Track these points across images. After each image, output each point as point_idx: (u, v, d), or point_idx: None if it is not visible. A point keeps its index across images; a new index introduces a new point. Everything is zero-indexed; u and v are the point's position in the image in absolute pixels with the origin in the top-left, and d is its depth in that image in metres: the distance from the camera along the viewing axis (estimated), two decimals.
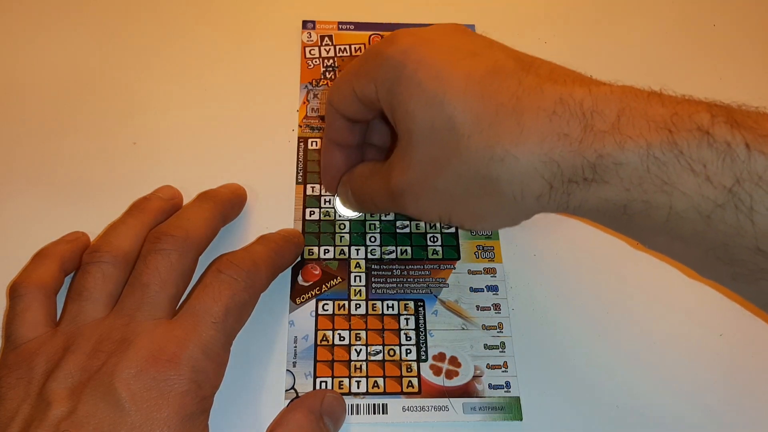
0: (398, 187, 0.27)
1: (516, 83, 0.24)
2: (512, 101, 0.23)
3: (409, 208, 0.27)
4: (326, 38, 0.42)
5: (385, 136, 0.32)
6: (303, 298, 0.32)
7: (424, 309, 0.32)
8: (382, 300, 0.33)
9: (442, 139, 0.24)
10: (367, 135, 0.32)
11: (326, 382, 0.30)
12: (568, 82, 0.23)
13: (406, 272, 0.33)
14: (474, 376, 0.31)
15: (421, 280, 0.33)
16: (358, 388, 0.30)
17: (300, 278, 0.33)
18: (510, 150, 0.23)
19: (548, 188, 0.23)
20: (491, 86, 0.24)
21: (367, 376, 0.30)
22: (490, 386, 0.30)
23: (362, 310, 0.32)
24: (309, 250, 0.34)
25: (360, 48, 0.42)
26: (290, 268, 0.33)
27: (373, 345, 0.31)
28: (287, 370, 0.30)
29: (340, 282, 0.33)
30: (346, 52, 0.41)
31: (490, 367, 0.31)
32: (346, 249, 0.34)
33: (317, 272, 0.33)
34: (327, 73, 0.40)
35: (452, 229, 0.35)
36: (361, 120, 0.30)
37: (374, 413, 0.29)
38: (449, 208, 0.26)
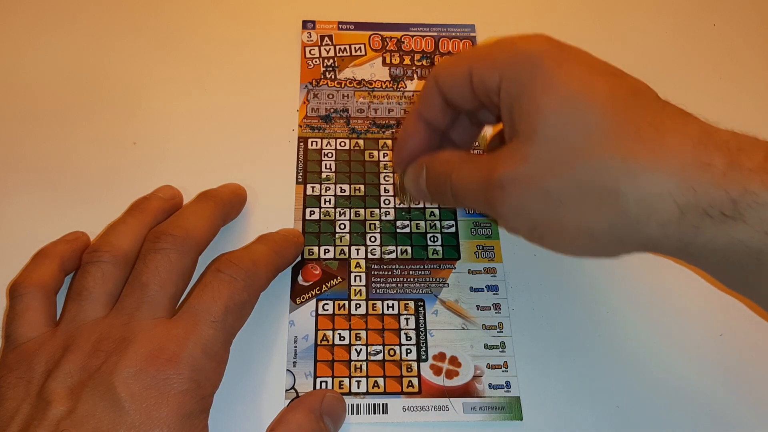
0: (502, 179, 0.25)
1: (660, 108, 0.24)
2: (656, 122, 0.23)
3: (502, 207, 0.26)
4: (326, 38, 0.42)
5: (466, 135, 0.32)
6: (303, 298, 0.32)
7: (424, 309, 0.32)
8: (382, 300, 0.33)
9: (571, 140, 0.23)
10: (451, 131, 0.31)
11: (326, 381, 0.30)
12: (708, 123, 0.23)
13: (406, 272, 0.33)
14: (474, 376, 0.31)
15: (421, 279, 0.33)
16: (359, 387, 0.30)
17: (300, 278, 0.33)
18: (647, 167, 0.22)
19: (678, 215, 0.22)
20: (635, 104, 0.23)
21: (367, 376, 0.30)
22: (491, 386, 0.30)
23: (362, 310, 0.32)
24: (309, 250, 0.34)
25: (360, 48, 0.42)
26: (290, 268, 0.33)
27: (373, 345, 0.31)
28: (287, 370, 0.30)
29: (340, 282, 0.33)
30: (346, 52, 0.41)
31: (490, 366, 0.31)
32: (346, 249, 0.34)
33: (317, 272, 0.33)
34: (327, 73, 0.40)
35: (452, 229, 0.35)
36: (459, 106, 0.29)
37: (374, 413, 0.29)
38: (549, 217, 0.25)
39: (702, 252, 0.22)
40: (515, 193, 0.25)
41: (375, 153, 0.37)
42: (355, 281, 0.33)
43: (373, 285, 0.33)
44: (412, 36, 0.42)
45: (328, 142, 0.38)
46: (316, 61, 0.41)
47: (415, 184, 0.31)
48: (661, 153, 0.22)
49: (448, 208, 0.36)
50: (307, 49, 0.41)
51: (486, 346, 0.31)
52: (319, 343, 0.31)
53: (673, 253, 0.24)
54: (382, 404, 0.30)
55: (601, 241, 0.25)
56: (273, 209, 0.35)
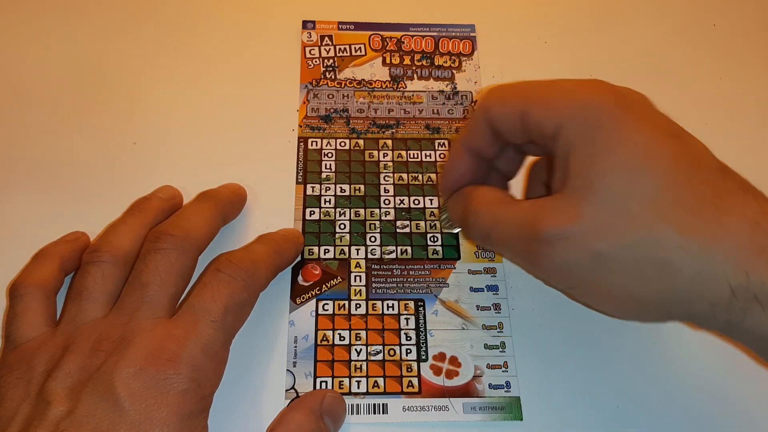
0: (551, 234, 0.24)
1: (720, 180, 0.24)
2: (716, 198, 0.23)
3: (545, 262, 0.25)
4: (326, 38, 0.42)
5: (513, 165, 0.31)
6: (303, 298, 0.32)
7: (424, 309, 0.32)
8: (382, 300, 0.33)
9: (628, 205, 0.23)
10: (496, 160, 0.31)
11: (326, 382, 0.30)
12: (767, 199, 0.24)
13: (406, 272, 0.33)
14: (474, 376, 0.31)
15: (421, 279, 0.33)
16: (359, 387, 0.30)
17: (300, 278, 0.33)
18: (704, 246, 0.22)
19: (728, 297, 0.22)
20: (697, 175, 0.23)
21: (367, 376, 0.30)
22: (491, 386, 0.30)
23: (362, 310, 0.32)
24: (309, 250, 0.34)
25: (360, 48, 0.42)
26: (290, 268, 0.33)
27: (373, 345, 0.31)
28: (287, 370, 0.30)
29: (340, 282, 0.33)
30: (346, 52, 0.41)
31: (490, 367, 0.31)
32: (346, 249, 0.34)
33: (317, 272, 0.33)
34: (327, 73, 0.40)
35: (452, 229, 0.35)
36: (510, 141, 0.28)
37: (374, 413, 0.29)
38: (596, 279, 0.24)
39: (747, 334, 0.23)
40: (563, 251, 0.24)
41: (375, 153, 0.37)
42: (355, 281, 0.33)
43: (373, 285, 0.33)
44: (412, 36, 0.42)
45: (328, 142, 0.38)
46: (316, 61, 0.41)
47: (457, 214, 0.30)
48: (718, 233, 0.22)
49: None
50: (307, 49, 0.41)
51: (486, 346, 0.31)
52: (319, 343, 0.31)
53: (717, 330, 0.24)
54: (382, 404, 0.30)
55: (647, 310, 0.25)
56: (273, 209, 0.35)
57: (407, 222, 0.35)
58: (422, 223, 0.35)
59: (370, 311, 0.32)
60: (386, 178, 0.37)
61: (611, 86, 0.26)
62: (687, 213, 0.23)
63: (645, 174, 0.23)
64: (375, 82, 0.40)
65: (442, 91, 0.40)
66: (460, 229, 0.33)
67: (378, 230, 0.35)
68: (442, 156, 0.38)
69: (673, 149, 0.24)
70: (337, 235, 0.34)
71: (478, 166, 0.30)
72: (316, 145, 0.38)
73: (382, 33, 0.42)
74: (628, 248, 0.23)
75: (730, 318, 0.23)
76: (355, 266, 0.34)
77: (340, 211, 0.35)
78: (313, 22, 0.43)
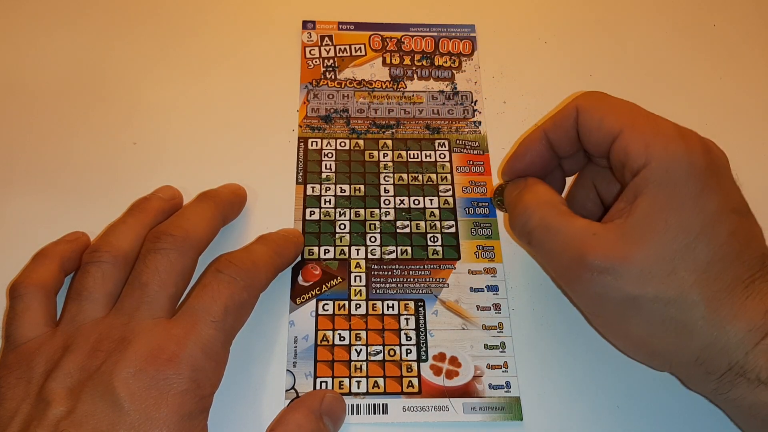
0: (595, 263, 0.25)
1: (758, 266, 0.25)
2: (749, 281, 0.25)
3: (583, 287, 0.27)
4: (326, 38, 0.42)
5: (576, 166, 0.32)
6: (303, 298, 0.32)
7: (424, 309, 0.32)
8: (382, 300, 0.33)
9: (676, 265, 0.25)
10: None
11: (326, 382, 0.30)
12: None
13: (406, 272, 0.33)
14: (474, 376, 0.30)
15: (421, 280, 0.33)
16: (358, 388, 0.30)
17: (300, 278, 0.33)
18: (724, 321, 0.24)
19: (724, 370, 0.24)
20: (743, 257, 0.25)
21: (367, 376, 0.30)
22: (490, 386, 0.30)
23: (362, 310, 0.32)
24: (309, 250, 0.34)
25: (360, 48, 0.42)
26: (290, 268, 0.33)
27: (373, 345, 0.31)
28: (287, 370, 0.30)
29: (340, 282, 0.33)
30: (346, 53, 0.41)
31: (490, 367, 0.31)
32: (346, 249, 0.34)
33: (317, 272, 0.33)
34: (327, 73, 0.40)
35: (452, 229, 0.35)
36: (589, 150, 0.29)
37: (374, 413, 0.29)
38: (621, 319, 0.26)
39: (729, 403, 0.25)
40: (601, 283, 0.25)
41: (375, 153, 0.37)
42: (355, 281, 0.33)
43: (373, 285, 0.33)
44: (412, 36, 0.42)
45: (328, 143, 0.38)
46: (316, 62, 0.41)
47: (510, 201, 0.31)
48: (738, 313, 0.24)
49: (451, 209, 0.36)
50: (307, 49, 0.41)
51: (486, 347, 0.31)
52: (319, 343, 0.31)
53: (703, 393, 0.27)
54: (382, 404, 0.30)
55: (654, 358, 0.27)
56: (273, 209, 0.35)
57: (407, 222, 0.35)
58: (422, 223, 0.35)
59: (370, 311, 0.32)
60: (386, 179, 0.37)
61: (704, 144, 0.26)
62: (721, 289, 0.24)
63: (701, 243, 0.25)
64: (375, 82, 0.40)
65: (442, 91, 0.40)
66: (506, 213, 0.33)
67: (378, 230, 0.35)
68: (442, 156, 0.38)
69: (733, 227, 0.25)
70: (337, 236, 0.34)
71: (550, 158, 0.31)
72: (316, 145, 0.38)
73: (382, 33, 0.42)
74: (659, 303, 0.25)
75: (719, 387, 0.25)
76: (355, 266, 0.34)
77: (340, 212, 0.35)
78: (313, 23, 0.43)
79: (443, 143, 0.38)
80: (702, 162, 0.25)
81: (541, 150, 0.30)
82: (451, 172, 0.37)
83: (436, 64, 0.41)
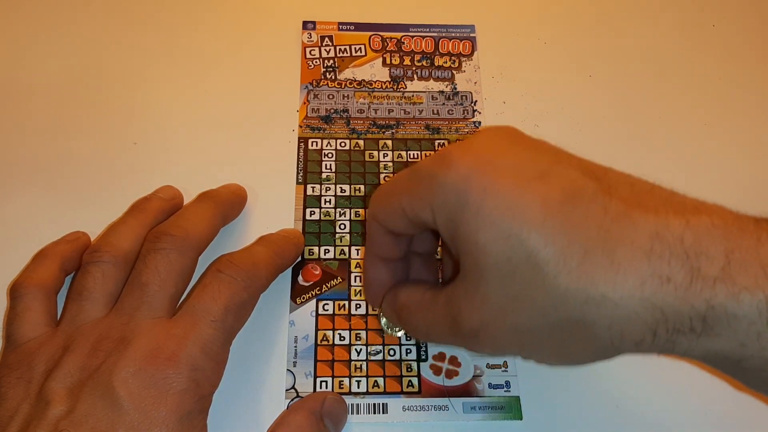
0: (471, 328, 0.23)
1: (601, 211, 0.21)
2: (600, 234, 0.21)
3: (483, 349, 0.25)
4: (326, 38, 0.42)
5: (430, 243, 0.29)
6: (303, 298, 0.32)
7: None
8: None
9: (522, 276, 0.21)
10: (411, 243, 0.29)
11: (326, 381, 0.30)
12: (660, 208, 0.21)
13: None
14: (474, 376, 0.31)
15: None
16: (359, 387, 0.30)
17: (300, 278, 0.33)
18: (607, 294, 0.20)
19: (651, 335, 0.21)
20: (573, 215, 0.21)
21: (367, 376, 0.30)
22: (490, 386, 0.30)
23: (362, 310, 0.32)
24: (309, 250, 0.34)
25: (360, 48, 0.42)
26: (291, 268, 0.33)
27: (373, 345, 0.31)
28: (287, 369, 0.30)
29: (340, 282, 0.33)
30: (347, 53, 0.41)
31: (490, 366, 0.31)
32: (346, 249, 0.34)
33: (317, 272, 0.33)
34: (327, 74, 0.40)
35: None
36: (410, 234, 0.27)
37: (374, 413, 0.29)
38: (531, 347, 0.23)
39: (683, 356, 0.22)
40: (489, 338, 0.23)
41: (375, 153, 0.37)
42: (355, 281, 0.33)
43: None
44: (412, 36, 0.42)
45: (329, 143, 0.38)
46: (316, 62, 0.41)
47: (394, 322, 0.29)
48: (615, 273, 0.20)
49: None
50: (308, 49, 0.41)
51: None
52: (319, 343, 0.31)
53: (660, 354, 0.23)
54: (382, 404, 0.30)
55: (585, 360, 0.24)
56: (273, 209, 0.35)
57: None
58: None
59: (370, 311, 0.32)
60: (386, 179, 0.37)
61: (463, 150, 0.23)
62: (578, 264, 0.20)
63: (520, 236, 0.21)
64: (375, 82, 0.40)
65: (442, 92, 0.40)
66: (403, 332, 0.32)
67: None
68: None
69: (540, 193, 0.21)
70: (337, 235, 0.34)
71: (395, 267, 0.29)
72: (317, 145, 0.38)
73: (382, 33, 0.42)
74: (539, 317, 0.22)
75: (661, 350, 0.22)
76: (356, 266, 0.34)
77: (340, 211, 0.35)
78: (314, 23, 0.43)
79: (443, 143, 0.38)
80: (465, 170, 0.23)
81: (382, 268, 0.28)
82: None
83: (436, 64, 0.41)
